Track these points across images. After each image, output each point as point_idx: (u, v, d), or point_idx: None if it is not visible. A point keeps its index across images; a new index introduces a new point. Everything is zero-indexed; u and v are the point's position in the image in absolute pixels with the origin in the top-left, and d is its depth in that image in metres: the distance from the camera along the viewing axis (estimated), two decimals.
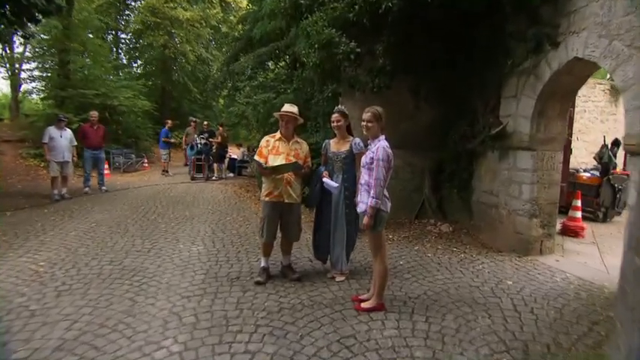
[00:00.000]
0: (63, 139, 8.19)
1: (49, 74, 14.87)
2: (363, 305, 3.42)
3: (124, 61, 25.20)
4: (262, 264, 4.11)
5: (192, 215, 6.99)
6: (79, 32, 13.50)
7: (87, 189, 9.10)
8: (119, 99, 13.61)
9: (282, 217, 4.03)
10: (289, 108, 3.97)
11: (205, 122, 13.56)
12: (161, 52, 20.23)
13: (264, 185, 4.02)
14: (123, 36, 25.12)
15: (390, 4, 4.53)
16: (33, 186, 9.90)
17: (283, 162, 3.86)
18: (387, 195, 3.36)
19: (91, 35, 14.60)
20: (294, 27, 7.78)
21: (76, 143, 8.58)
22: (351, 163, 3.99)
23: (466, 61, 5.69)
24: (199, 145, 11.63)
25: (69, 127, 9.32)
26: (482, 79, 5.55)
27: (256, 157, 3.99)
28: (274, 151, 3.95)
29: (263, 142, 4.02)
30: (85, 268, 4.24)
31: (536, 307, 3.51)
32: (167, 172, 12.71)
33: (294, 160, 3.90)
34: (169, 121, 12.72)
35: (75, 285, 3.77)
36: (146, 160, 15.16)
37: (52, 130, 8.13)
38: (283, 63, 12.94)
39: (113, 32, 24.30)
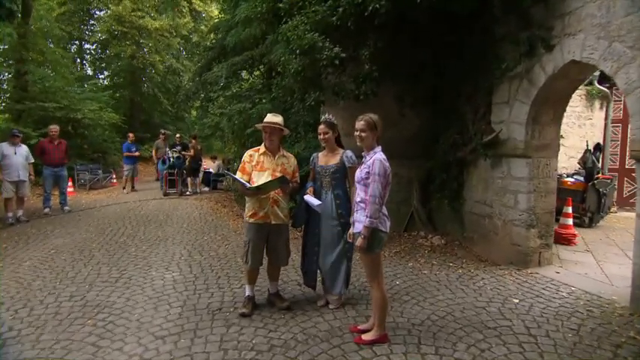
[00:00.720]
0: (17, 156, 7.45)
1: (5, 86, 13.87)
2: (364, 337, 3.02)
3: (89, 72, 24.20)
4: (247, 292, 3.66)
5: (165, 236, 6.42)
6: (38, 41, 12.62)
7: (47, 209, 8.35)
8: (83, 112, 12.77)
9: (269, 239, 3.61)
10: (273, 118, 3.57)
11: (177, 135, 12.92)
12: (129, 62, 19.41)
13: (247, 205, 3.59)
14: (87, 46, 24.16)
15: (377, 5, 4.23)
16: None
17: (269, 179, 3.45)
18: (386, 213, 3.01)
19: (51, 45, 13.67)
20: (271, 34, 7.42)
21: (33, 160, 7.84)
22: (342, 178, 3.62)
23: (454, 66, 5.48)
24: (172, 159, 10.99)
25: (26, 143, 8.57)
26: (472, 85, 5.34)
27: (238, 175, 3.55)
28: (259, 166, 3.54)
29: (246, 157, 3.60)
30: (39, 306, 3.66)
31: (550, 329, 3.22)
32: (134, 188, 11.96)
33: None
34: (131, 134, 11.97)
35: (25, 330, 3.20)
36: (114, 176, 14.32)
37: (5, 147, 7.37)
38: (258, 72, 12.56)
39: (77, 42, 23.29)
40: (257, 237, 3.53)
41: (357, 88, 5.06)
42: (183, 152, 11.38)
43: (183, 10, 21.30)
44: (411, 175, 6.41)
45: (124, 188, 11.85)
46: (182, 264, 4.94)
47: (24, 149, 7.67)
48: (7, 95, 13.42)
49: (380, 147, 3.02)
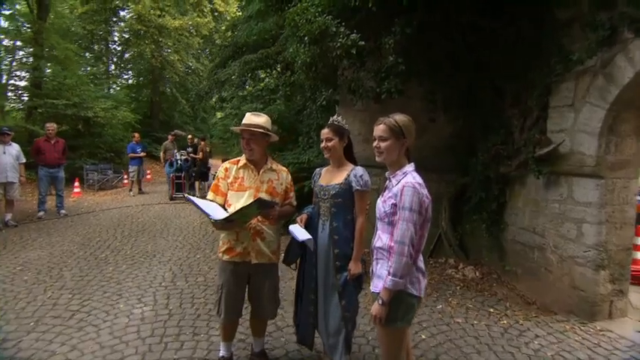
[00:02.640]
0: (7, 155, 6.73)
1: (22, 83, 13.44)
2: None
3: (115, 72, 23.87)
4: (221, 352, 2.68)
5: (154, 251, 5.52)
6: (50, 38, 12.06)
7: (41, 213, 7.61)
8: (94, 110, 12.12)
9: (250, 284, 2.60)
10: (253, 119, 2.55)
11: (189, 136, 12.12)
12: (149, 62, 18.87)
13: (222, 236, 2.59)
14: (112, 46, 23.85)
15: None
16: None
17: (250, 200, 2.44)
18: (422, 267, 1.95)
19: (62, 41, 13.15)
20: (285, 25, 6.46)
21: (24, 160, 7.11)
22: (345, 204, 2.55)
23: (497, 60, 4.36)
24: (179, 162, 10.17)
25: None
26: (521, 84, 4.21)
27: (210, 196, 2.55)
28: (237, 184, 2.53)
29: (220, 172, 2.60)
30: None
31: None
32: (141, 190, 11.22)
33: (266, 197, 2.49)
34: (136, 134, 11.24)
35: None
36: (125, 176, 13.67)
37: None
38: (275, 72, 11.67)
39: (104, 42, 22.99)
40: (233, 281, 2.52)
41: (379, 85, 4.00)
42: (191, 154, 10.55)
43: (205, 10, 20.66)
44: (439, 191, 5.27)
45: (130, 190, 11.13)
46: (159, 293, 3.99)
47: (14, 148, 6.95)
48: (20, 92, 12.94)
49: (412, 165, 1.98)
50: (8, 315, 3.44)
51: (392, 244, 1.84)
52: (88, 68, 17.62)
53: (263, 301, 2.63)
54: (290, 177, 2.73)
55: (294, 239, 2.60)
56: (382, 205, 1.96)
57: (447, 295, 4.13)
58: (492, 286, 4.40)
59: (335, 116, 2.71)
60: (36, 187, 8.29)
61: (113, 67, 24.01)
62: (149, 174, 14.36)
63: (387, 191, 2.00)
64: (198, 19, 19.63)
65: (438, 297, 4.09)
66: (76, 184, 10.83)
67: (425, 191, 1.87)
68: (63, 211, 7.94)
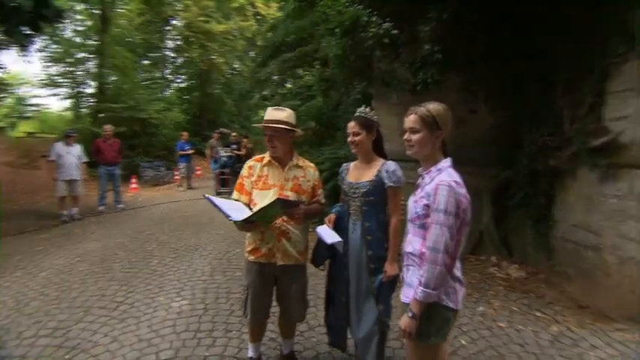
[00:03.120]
0: (71, 155, 7.07)
1: (91, 90, 14.27)
2: None
3: (170, 77, 24.85)
4: (249, 354, 2.54)
5: (197, 245, 5.55)
6: (110, 48, 12.69)
7: (102, 207, 7.98)
8: (148, 112, 12.63)
9: (277, 285, 2.42)
10: (275, 114, 2.35)
11: (233, 133, 12.26)
12: (197, 65, 19.40)
13: (247, 235, 2.43)
14: (167, 53, 24.80)
15: None
16: (55, 204, 8.96)
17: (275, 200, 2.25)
18: (460, 276, 1.67)
19: (121, 50, 13.78)
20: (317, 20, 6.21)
21: (86, 159, 7.44)
22: (378, 202, 2.30)
23: (545, 44, 3.84)
24: (223, 158, 10.30)
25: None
26: (573, 69, 3.68)
27: (234, 195, 2.39)
28: (261, 182, 2.35)
29: (244, 170, 2.43)
30: (13, 341, 2.83)
31: None
32: (190, 186, 11.51)
33: (291, 197, 2.28)
34: (185, 133, 11.53)
35: None
36: (177, 173, 14.14)
37: (59, 147, 7.02)
38: (314, 69, 11.50)
39: (159, 50, 23.94)
40: (259, 282, 2.36)
41: (414, 75, 3.66)
42: (235, 151, 10.64)
43: (247, 14, 20.85)
44: (480, 185, 4.83)
45: (179, 186, 11.47)
46: (198, 287, 3.95)
47: (77, 149, 7.29)
48: (88, 98, 13.77)
49: (448, 160, 1.68)
50: (62, 304, 3.53)
51: (424, 250, 1.57)
52: (144, 74, 18.35)
53: (291, 302, 2.45)
54: (317, 173, 2.50)
55: (321, 240, 2.39)
56: (414, 205, 1.69)
57: (488, 296, 3.75)
58: (539, 287, 3.94)
59: (362, 108, 2.45)
60: (97, 183, 8.73)
61: (169, 72, 25.06)
62: (199, 170, 14.76)
63: (419, 190, 1.72)
64: (242, 23, 19.87)
65: (479, 298, 3.72)
66: (134, 180, 11.32)
67: (463, 190, 1.58)
68: (120, 206, 8.28)
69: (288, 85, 12.17)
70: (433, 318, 1.57)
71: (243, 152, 10.64)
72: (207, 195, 2.10)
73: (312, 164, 2.53)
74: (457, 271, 1.65)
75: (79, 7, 12.88)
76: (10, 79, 19.94)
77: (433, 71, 3.51)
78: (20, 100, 24.32)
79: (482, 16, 3.63)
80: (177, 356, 2.71)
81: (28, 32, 6.42)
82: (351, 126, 2.36)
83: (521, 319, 3.28)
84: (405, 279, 1.72)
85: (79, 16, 13.71)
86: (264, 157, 2.41)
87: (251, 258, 2.35)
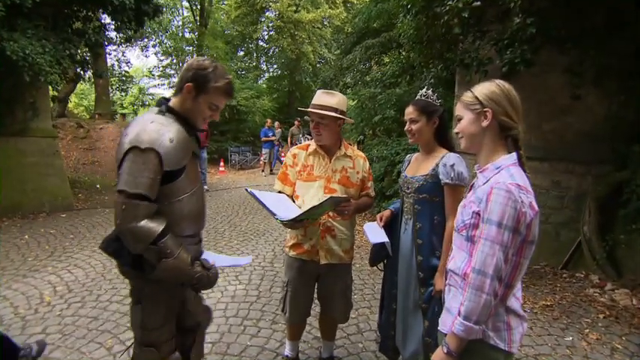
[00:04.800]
0: None
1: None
2: None
3: (264, 67, 26.16)
4: (286, 352, 2.42)
5: (265, 230, 5.67)
6: (208, 39, 13.69)
7: None
8: (237, 99, 13.40)
9: (320, 285, 2.25)
10: (324, 98, 2.11)
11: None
12: (286, 55, 19.98)
13: (289, 229, 2.29)
14: (261, 43, 26.06)
15: None
16: None
17: (321, 193, 2.07)
18: (518, 309, 1.28)
19: (214, 41, 14.73)
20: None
21: None
22: (432, 201, 1.96)
23: None
24: None
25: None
26: None
27: (277, 185, 2.25)
28: (305, 173, 2.17)
29: (288, 159, 2.27)
30: (88, 304, 3.16)
31: None
32: (272, 171, 11.94)
33: (338, 190, 2.08)
34: (269, 120, 11.96)
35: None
36: (262, 158, 14.85)
37: None
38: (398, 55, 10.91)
39: (254, 41, 25.29)
40: (300, 279, 2.20)
41: (500, 54, 3.09)
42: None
43: (337, 1, 20.67)
44: (582, 187, 4.02)
45: (262, 171, 11.99)
46: (255, 273, 4.00)
47: None
48: None
49: (513, 155, 1.29)
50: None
51: (468, 270, 1.23)
52: (239, 64, 19.50)
53: (334, 302, 2.26)
54: (367, 164, 2.24)
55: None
56: (462, 210, 1.34)
57: (582, 325, 3.08)
58: None
59: (424, 90, 2.10)
60: None
61: (264, 62, 26.36)
62: (283, 156, 15.32)
63: (470, 192, 1.37)
64: (331, 11, 19.77)
65: (568, 325, 3.07)
66: (222, 163, 12.18)
67: (528, 198, 1.18)
68: (205, 187, 8.93)
69: (374, 73, 11.77)
70: (475, 358, 1.24)
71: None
72: (249, 189, 1.99)
73: (362, 154, 2.28)
74: (515, 302, 1.27)
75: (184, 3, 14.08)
76: (133, 72, 23.03)
77: (524, 48, 2.90)
78: (141, 90, 27.97)
79: None
80: (221, 341, 2.73)
81: (134, 28, 7.17)
82: (409, 112, 2.04)
83: None
84: (445, 301, 1.39)
85: (183, 12, 15.04)
86: (309, 145, 2.22)
87: (292, 254, 2.20)
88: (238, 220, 6.17)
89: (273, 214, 1.93)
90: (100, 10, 6.40)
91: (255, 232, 5.51)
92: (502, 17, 3.15)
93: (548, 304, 3.41)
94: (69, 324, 2.88)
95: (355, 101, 10.04)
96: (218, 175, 11.44)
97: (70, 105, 19.33)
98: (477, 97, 1.29)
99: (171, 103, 1.56)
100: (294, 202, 2.15)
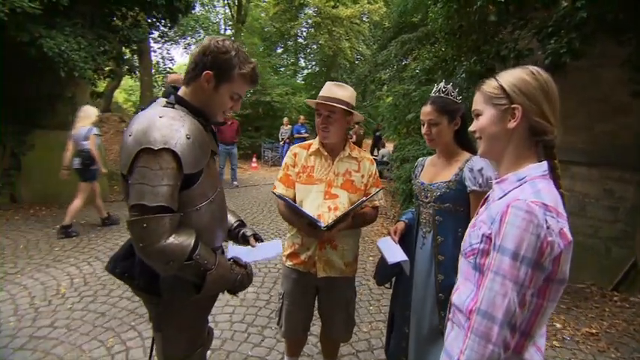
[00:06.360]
0: None
1: None
2: None
3: (302, 63, 26.17)
4: None
5: (286, 230, 5.47)
6: (242, 36, 13.82)
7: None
8: (271, 95, 13.41)
9: (319, 298, 2.04)
10: (334, 90, 1.87)
11: None
12: (323, 51, 19.81)
13: (287, 236, 2.10)
14: (300, 40, 26.06)
15: None
16: None
17: (320, 200, 1.86)
18: None
19: (250, 37, 14.84)
20: None
21: None
22: (455, 211, 1.71)
23: None
24: None
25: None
26: None
27: (279, 188, 2.03)
28: (305, 175, 1.96)
29: (288, 159, 2.06)
30: (100, 299, 3.15)
31: None
32: None
33: (340, 196, 1.86)
34: (301, 117, 11.82)
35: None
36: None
37: None
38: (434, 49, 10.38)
39: (292, 38, 25.34)
40: (296, 292, 2.01)
41: (543, 44, 2.68)
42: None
43: None
44: (638, 199, 3.50)
45: None
46: (269, 275, 3.86)
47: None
48: None
49: (542, 165, 1.00)
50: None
51: (472, 305, 0.97)
52: (275, 60, 19.58)
53: (333, 319, 2.05)
54: (374, 167, 1.99)
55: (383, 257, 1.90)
56: (470, 231, 1.08)
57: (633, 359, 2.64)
58: None
59: (442, 84, 1.82)
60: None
61: (303, 59, 26.37)
62: None
63: (483, 207, 1.10)
64: (369, 6, 19.32)
65: (617, 359, 2.64)
66: (254, 159, 12.25)
67: (559, 223, 0.89)
68: (235, 183, 8.98)
69: (416, 69, 11.35)
70: None
71: (353, 139, 10.37)
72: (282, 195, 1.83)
73: (369, 156, 2.04)
74: (536, 354, 0.98)
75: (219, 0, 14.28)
76: (178, 69, 23.91)
77: (572, 36, 2.48)
78: None
79: None
80: (221, 348, 2.60)
81: (169, 25, 7.28)
82: (427, 112, 1.79)
83: None
84: (446, 339, 1.13)
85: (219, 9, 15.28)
86: (311, 144, 2.01)
87: (288, 264, 2.02)
88: (262, 219, 6.08)
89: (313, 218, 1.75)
90: (137, 9, 6.53)
91: (277, 232, 5.38)
92: (547, 2, 2.74)
93: (594, 331, 2.97)
94: (77, 318, 2.88)
95: (389, 98, 9.68)
96: (250, 171, 11.49)
97: (121, 100, 20.41)
98: (503, 88, 1.02)
99: (181, 93, 1.32)
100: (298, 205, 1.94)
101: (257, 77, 1.38)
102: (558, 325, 3.03)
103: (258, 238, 1.69)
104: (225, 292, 1.47)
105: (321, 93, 1.90)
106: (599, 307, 3.37)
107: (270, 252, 1.69)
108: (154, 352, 1.52)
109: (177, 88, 1.37)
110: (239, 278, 1.40)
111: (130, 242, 1.37)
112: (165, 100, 1.31)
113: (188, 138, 1.20)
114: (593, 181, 3.72)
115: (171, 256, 1.17)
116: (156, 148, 1.15)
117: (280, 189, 2.02)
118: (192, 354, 1.46)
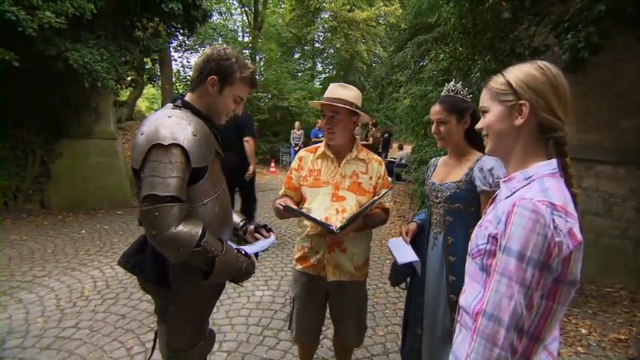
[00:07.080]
0: None
1: None
2: None
3: (319, 68, 26.31)
4: None
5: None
6: (262, 42, 14.03)
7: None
8: (289, 100, 13.52)
9: (330, 302, 2.04)
10: (338, 91, 1.87)
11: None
12: (339, 54, 19.86)
13: (297, 240, 2.11)
14: (316, 45, 26.22)
15: None
16: None
17: (327, 203, 1.86)
18: None
19: (266, 42, 15.06)
20: None
21: None
22: (466, 212, 1.68)
23: None
24: None
25: None
26: None
27: (283, 188, 2.07)
28: (312, 178, 1.96)
29: (294, 162, 2.07)
30: (121, 301, 3.24)
31: None
32: None
33: (348, 199, 1.85)
34: (319, 121, 11.81)
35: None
36: None
37: None
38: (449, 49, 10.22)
39: (309, 43, 25.52)
40: (307, 296, 2.01)
41: (560, 40, 2.61)
42: (362, 141, 10.41)
43: None
44: None
45: None
46: (285, 279, 3.87)
47: None
48: None
49: (553, 162, 0.96)
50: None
51: (478, 307, 0.95)
52: (292, 65, 19.76)
53: (343, 325, 2.04)
54: (383, 169, 1.98)
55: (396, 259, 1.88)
56: (477, 231, 1.05)
57: None
58: None
59: (452, 84, 1.80)
60: None
61: (320, 63, 26.50)
62: None
63: (491, 207, 1.07)
64: (385, 8, 19.25)
65: None
66: (272, 164, 12.36)
67: (568, 222, 0.86)
68: None
69: (433, 70, 11.23)
70: None
71: (369, 141, 10.33)
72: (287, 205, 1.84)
73: (377, 157, 2.02)
74: (547, 359, 0.95)
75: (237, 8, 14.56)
76: None
77: (590, 30, 2.39)
78: None
79: None
80: (237, 350, 2.63)
81: (187, 34, 7.48)
82: (436, 111, 1.78)
83: None
84: (454, 341, 1.11)
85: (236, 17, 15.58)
86: (317, 148, 2.01)
87: (298, 267, 2.02)
88: (277, 223, 6.10)
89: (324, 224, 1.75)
90: (157, 19, 6.74)
91: (293, 236, 5.40)
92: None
93: (622, 337, 2.84)
94: (99, 320, 2.97)
95: (406, 99, 9.59)
96: (268, 176, 11.60)
97: (144, 108, 21.03)
98: (509, 84, 0.99)
99: (187, 98, 1.45)
100: (299, 207, 1.96)
101: (256, 80, 1.51)
102: (583, 331, 2.92)
103: (269, 229, 1.78)
104: (231, 283, 1.55)
105: (325, 94, 1.91)
106: (628, 312, 3.21)
107: (264, 244, 1.73)
108: (156, 346, 1.61)
109: (183, 95, 1.48)
110: (244, 266, 1.48)
111: (142, 238, 1.46)
112: (172, 104, 1.43)
113: (194, 135, 1.31)
114: (620, 180, 3.57)
115: (182, 243, 1.25)
116: (166, 144, 1.25)
117: (283, 189, 2.05)
118: (194, 346, 1.53)
